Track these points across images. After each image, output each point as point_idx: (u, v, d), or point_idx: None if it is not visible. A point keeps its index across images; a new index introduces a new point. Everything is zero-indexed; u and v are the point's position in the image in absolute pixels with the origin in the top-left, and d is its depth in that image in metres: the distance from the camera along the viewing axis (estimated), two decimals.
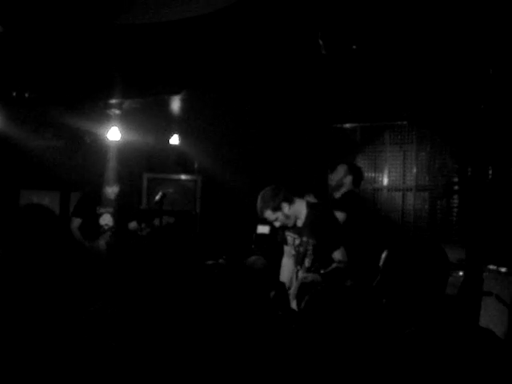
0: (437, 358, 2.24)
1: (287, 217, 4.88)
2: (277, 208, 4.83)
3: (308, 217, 4.93)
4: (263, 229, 6.63)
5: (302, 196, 5.19)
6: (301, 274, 4.78)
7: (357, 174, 6.30)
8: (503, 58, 5.68)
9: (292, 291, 4.76)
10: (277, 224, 4.99)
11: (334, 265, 4.70)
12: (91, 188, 7.30)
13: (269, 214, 4.87)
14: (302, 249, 4.95)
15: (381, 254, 2.56)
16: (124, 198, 7.22)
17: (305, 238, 4.91)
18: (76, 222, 7.00)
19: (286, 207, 4.85)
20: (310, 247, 4.83)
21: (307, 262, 4.68)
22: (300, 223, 4.98)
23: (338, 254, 4.75)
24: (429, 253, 2.49)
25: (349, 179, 6.16)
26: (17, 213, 2.71)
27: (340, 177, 6.18)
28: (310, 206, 4.98)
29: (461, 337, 2.32)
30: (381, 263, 2.54)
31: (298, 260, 4.99)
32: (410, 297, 2.45)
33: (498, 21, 4.90)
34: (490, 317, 5.42)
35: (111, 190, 6.98)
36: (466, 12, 4.68)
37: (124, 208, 7.16)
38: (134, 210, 7.70)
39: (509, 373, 2.22)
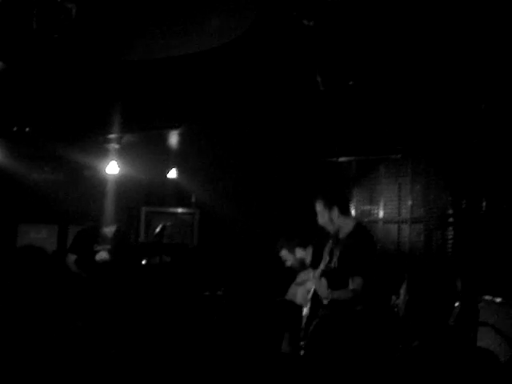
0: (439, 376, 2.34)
1: (331, 220, 5.06)
2: (329, 206, 5.05)
3: (351, 235, 5.03)
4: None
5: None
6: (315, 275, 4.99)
7: (341, 201, 5.26)
8: (495, 93, 5.83)
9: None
10: (320, 221, 5.17)
11: (348, 289, 4.79)
12: (89, 225, 7.38)
13: (319, 205, 5.12)
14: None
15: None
16: (121, 235, 7.30)
17: (338, 250, 5.03)
18: (72, 257, 7.07)
19: (335, 211, 5.04)
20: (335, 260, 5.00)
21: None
22: (342, 235, 5.10)
23: (355, 280, 4.76)
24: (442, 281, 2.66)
25: (335, 212, 5.13)
26: (14, 254, 2.94)
27: (324, 215, 5.17)
28: (358, 227, 5.10)
29: (461, 355, 2.44)
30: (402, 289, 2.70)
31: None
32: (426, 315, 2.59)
33: (489, 59, 5.05)
34: (486, 347, 5.46)
35: (108, 230, 7.08)
36: (458, 49, 4.82)
37: (122, 244, 7.22)
38: (132, 247, 7.74)
39: None
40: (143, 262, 7.43)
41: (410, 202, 8.25)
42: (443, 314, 2.64)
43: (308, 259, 6.20)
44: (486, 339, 5.60)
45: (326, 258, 5.16)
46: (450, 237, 7.68)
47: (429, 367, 2.45)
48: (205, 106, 7.08)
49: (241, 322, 2.98)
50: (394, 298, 4.96)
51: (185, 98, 6.82)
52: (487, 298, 5.98)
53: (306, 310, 5.08)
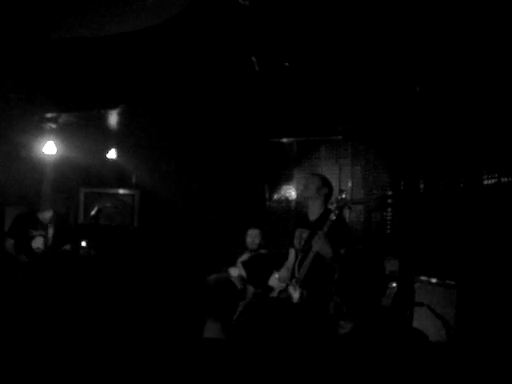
0: (370, 355, 2.35)
1: (317, 193, 5.35)
2: (322, 184, 5.39)
3: (324, 215, 5.23)
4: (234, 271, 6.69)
5: None
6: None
7: (331, 188, 5.58)
8: (430, 76, 5.88)
9: (298, 276, 5.11)
10: (304, 193, 5.49)
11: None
12: (27, 209, 7.26)
13: (314, 179, 5.46)
14: (304, 242, 5.32)
15: None
16: (59, 220, 7.18)
17: (319, 233, 5.11)
18: (10, 242, 6.96)
19: (325, 191, 5.36)
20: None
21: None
22: (312, 218, 5.38)
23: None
24: (369, 262, 2.66)
25: (324, 191, 5.46)
26: None
27: (313, 187, 5.46)
28: (327, 209, 5.31)
29: (393, 335, 2.46)
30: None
31: (304, 249, 5.27)
32: (355, 297, 2.61)
33: (427, 42, 5.09)
34: (422, 327, 5.56)
35: (42, 216, 6.97)
36: (394, 32, 4.83)
37: (60, 229, 7.11)
38: (70, 230, 7.60)
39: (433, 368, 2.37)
40: (83, 244, 7.28)
41: (350, 184, 8.32)
42: (373, 294, 2.64)
43: (243, 272, 6.21)
44: (421, 319, 5.71)
45: (300, 242, 5.37)
46: (389, 218, 7.77)
47: (362, 349, 2.45)
48: (144, 86, 6.96)
49: (172, 304, 2.94)
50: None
51: (123, 77, 6.69)
52: (423, 278, 6.08)
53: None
